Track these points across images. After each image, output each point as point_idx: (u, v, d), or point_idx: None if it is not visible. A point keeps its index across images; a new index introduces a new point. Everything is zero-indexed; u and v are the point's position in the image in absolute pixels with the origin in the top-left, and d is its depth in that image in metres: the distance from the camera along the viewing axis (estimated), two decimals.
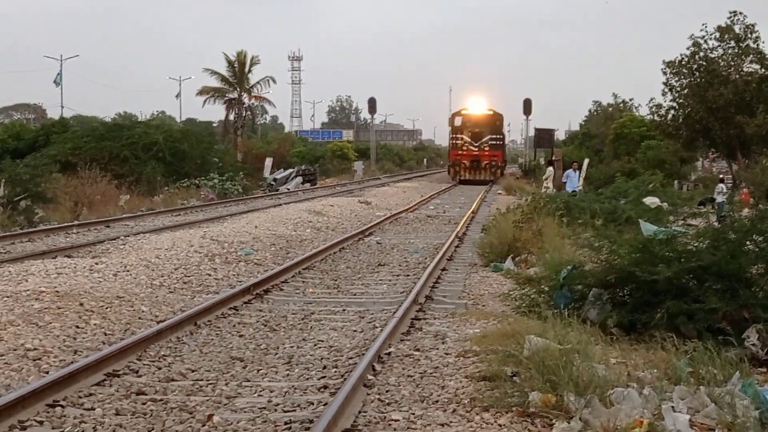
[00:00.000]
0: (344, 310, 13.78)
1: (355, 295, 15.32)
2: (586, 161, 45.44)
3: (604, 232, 13.12)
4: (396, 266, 18.86)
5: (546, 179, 40.90)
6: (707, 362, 8.74)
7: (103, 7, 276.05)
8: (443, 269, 18.03)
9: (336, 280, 16.79)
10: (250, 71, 74.99)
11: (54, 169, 32.14)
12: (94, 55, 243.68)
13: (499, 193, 47.26)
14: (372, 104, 79.75)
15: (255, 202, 38.14)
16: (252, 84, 75.87)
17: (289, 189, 50.18)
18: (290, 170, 56.62)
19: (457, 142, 67.52)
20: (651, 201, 18.72)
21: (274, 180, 52.40)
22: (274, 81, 79.21)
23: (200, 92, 76.07)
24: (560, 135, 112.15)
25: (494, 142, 67.65)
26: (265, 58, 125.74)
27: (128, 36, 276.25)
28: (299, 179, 54.40)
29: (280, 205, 34.47)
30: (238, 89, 74.89)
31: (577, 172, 37.95)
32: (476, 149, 66.72)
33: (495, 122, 68.43)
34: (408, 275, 17.36)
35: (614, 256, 11.77)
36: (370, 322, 12.63)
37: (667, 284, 11.03)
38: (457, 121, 68.28)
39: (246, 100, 76.89)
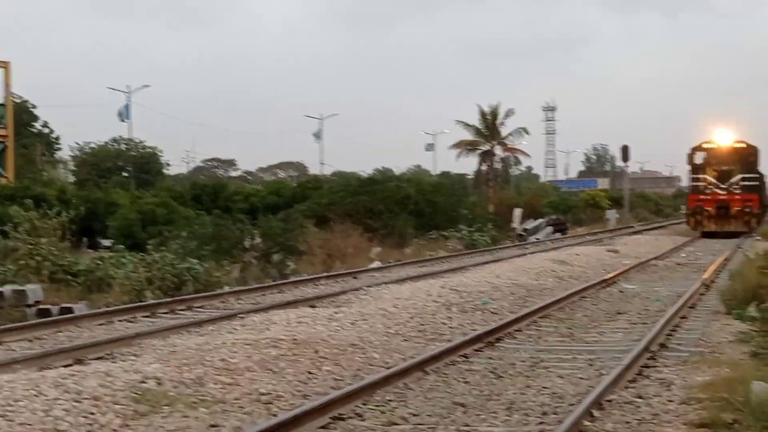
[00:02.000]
0: (574, 357, 13.73)
1: (587, 343, 15.22)
2: None
3: None
4: (635, 314, 18.56)
5: None
6: None
7: (363, 69, 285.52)
8: (682, 317, 17.60)
9: (570, 329, 16.71)
10: (502, 123, 75.78)
11: (305, 223, 33.50)
12: (351, 113, 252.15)
13: (757, 239, 45.41)
14: (625, 151, 77.93)
15: (501, 252, 38.32)
16: (504, 136, 76.51)
17: (538, 239, 50.16)
18: (540, 220, 56.59)
19: (699, 184, 54.38)
20: None
21: (524, 230, 52.51)
22: (527, 132, 79.78)
23: (454, 146, 77.57)
24: None
25: (748, 183, 53.77)
26: (518, 108, 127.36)
27: (384, 95, 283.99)
28: (549, 229, 54.30)
29: (525, 255, 34.53)
30: (491, 141, 75.69)
31: None
32: (724, 192, 53.54)
33: (748, 157, 54.64)
34: (645, 323, 17.04)
35: None
36: (597, 370, 12.55)
37: None
38: (698, 158, 55.32)
39: (498, 152, 77.71)
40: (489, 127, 75.49)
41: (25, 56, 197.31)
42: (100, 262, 24.00)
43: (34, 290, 19.49)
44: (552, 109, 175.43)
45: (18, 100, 68.23)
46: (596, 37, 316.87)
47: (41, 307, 18.78)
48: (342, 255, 32.64)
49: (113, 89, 77.70)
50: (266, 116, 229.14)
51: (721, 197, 53.46)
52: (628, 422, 9.38)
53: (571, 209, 78.11)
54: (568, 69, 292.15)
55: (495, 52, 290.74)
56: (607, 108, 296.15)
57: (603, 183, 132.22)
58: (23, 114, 72.81)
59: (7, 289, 19.26)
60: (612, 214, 69.78)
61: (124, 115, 75.59)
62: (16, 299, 18.98)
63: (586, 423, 9.33)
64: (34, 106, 76.25)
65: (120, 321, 17.23)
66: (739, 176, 53.65)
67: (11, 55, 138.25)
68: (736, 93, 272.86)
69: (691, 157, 55.66)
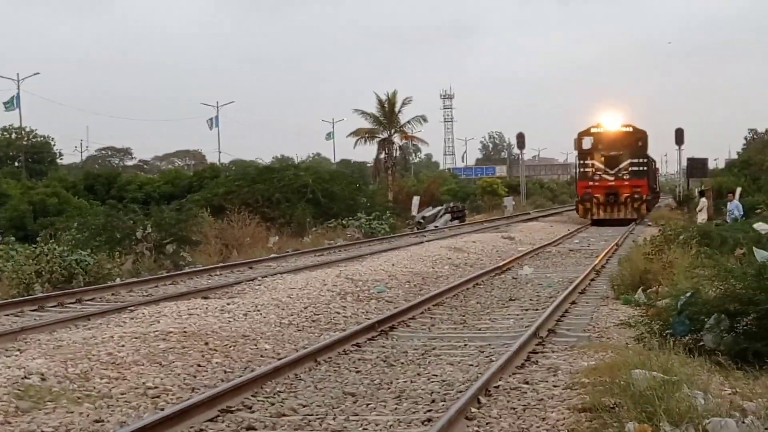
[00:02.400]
0: (466, 345, 13.83)
1: (479, 330, 15.35)
2: (739, 189, 44.21)
3: (719, 261, 12.87)
4: (527, 301, 18.78)
5: (700, 210, 40.05)
6: None
7: (258, 56, 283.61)
8: (573, 302, 17.91)
9: (464, 316, 16.84)
10: (400, 111, 75.77)
11: (199, 213, 33.14)
12: (251, 101, 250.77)
13: (649, 225, 46.35)
14: (520, 139, 78.91)
15: (399, 240, 38.45)
16: (402, 123, 76.56)
17: (437, 226, 50.39)
18: (439, 208, 56.86)
19: (587, 170, 52.73)
20: (761, 227, 18.21)
21: (423, 218, 52.72)
22: (425, 120, 79.74)
23: (352, 134, 77.34)
24: (720, 164, 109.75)
25: (636, 168, 52.39)
26: (416, 96, 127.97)
27: (282, 82, 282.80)
28: (448, 216, 54.57)
29: (422, 243, 34.70)
30: (389, 129, 75.68)
31: (735, 201, 36.77)
32: (612, 178, 52.01)
33: (636, 142, 52.91)
34: (537, 309, 17.26)
35: (729, 283, 11.54)
36: (488, 357, 12.66)
37: None
38: (586, 143, 53.07)
39: (397, 140, 77.74)
40: (387, 115, 75.32)
41: None
42: None
43: None
44: (450, 97, 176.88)
45: None
46: (491, 24, 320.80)
47: None
48: (239, 245, 32.40)
49: (2, 77, 75.76)
50: (164, 104, 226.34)
51: (610, 183, 51.95)
52: (513, 408, 9.49)
53: (469, 196, 78.89)
54: (465, 56, 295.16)
55: (393, 39, 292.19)
56: (503, 95, 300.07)
57: (501, 170, 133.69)
58: None
59: None
60: (509, 202, 70.51)
61: (14, 103, 73.72)
62: None
63: (473, 410, 9.41)
64: None
65: (6, 315, 16.83)
66: (628, 161, 52.22)
67: None
68: (629, 78, 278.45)
69: (578, 142, 53.79)
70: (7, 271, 21.59)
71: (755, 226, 19.07)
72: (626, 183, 51.97)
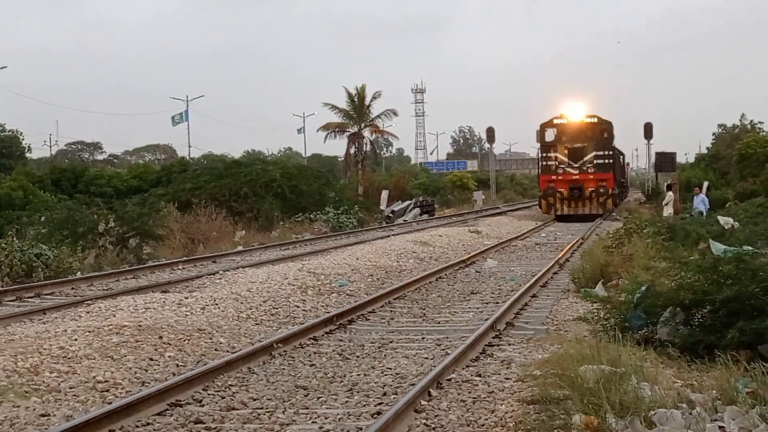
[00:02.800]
0: (423, 338, 13.79)
1: (439, 323, 15.32)
2: (705, 184, 44.46)
3: (675, 254, 12.91)
4: (488, 294, 18.77)
5: (666, 204, 40.25)
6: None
7: (228, 49, 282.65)
8: (533, 296, 17.91)
9: (424, 309, 16.80)
10: (370, 105, 75.60)
11: (162, 207, 32.96)
12: (221, 94, 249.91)
13: (616, 219, 46.35)
14: (490, 133, 78.60)
15: (365, 234, 38.41)
16: (373, 118, 76.39)
17: (406, 220, 50.39)
18: (408, 202, 56.88)
19: (550, 163, 50.44)
20: (725, 221, 18.36)
21: (392, 212, 52.71)
22: (395, 114, 79.64)
23: (322, 128, 77.11)
24: (691, 158, 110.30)
25: (602, 161, 50.06)
26: (388, 90, 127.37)
27: (253, 75, 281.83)
28: (417, 210, 54.60)
29: (389, 236, 34.70)
30: (359, 124, 75.49)
31: (702, 195, 36.97)
32: (576, 172, 49.84)
33: (602, 133, 50.55)
34: (497, 303, 17.22)
35: (683, 276, 11.57)
36: (444, 350, 12.62)
37: (740, 304, 10.77)
38: (549, 135, 50.69)
39: (367, 134, 77.60)
40: (356, 109, 75.11)
41: None
42: None
43: None
44: (421, 91, 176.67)
45: None
46: (461, 17, 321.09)
47: None
48: (205, 239, 32.27)
49: None
50: (134, 98, 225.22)
51: (574, 177, 49.87)
52: (463, 401, 9.46)
53: (439, 191, 78.95)
54: (436, 50, 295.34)
55: (363, 32, 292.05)
56: (474, 89, 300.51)
57: (473, 165, 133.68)
58: None
59: None
60: (478, 196, 70.60)
61: None
62: None
63: (423, 402, 9.37)
64: None
65: None
66: (593, 154, 49.94)
67: None
68: (600, 72, 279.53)
69: (541, 134, 51.43)
70: None
71: (719, 219, 19.18)
72: (591, 177, 49.89)
